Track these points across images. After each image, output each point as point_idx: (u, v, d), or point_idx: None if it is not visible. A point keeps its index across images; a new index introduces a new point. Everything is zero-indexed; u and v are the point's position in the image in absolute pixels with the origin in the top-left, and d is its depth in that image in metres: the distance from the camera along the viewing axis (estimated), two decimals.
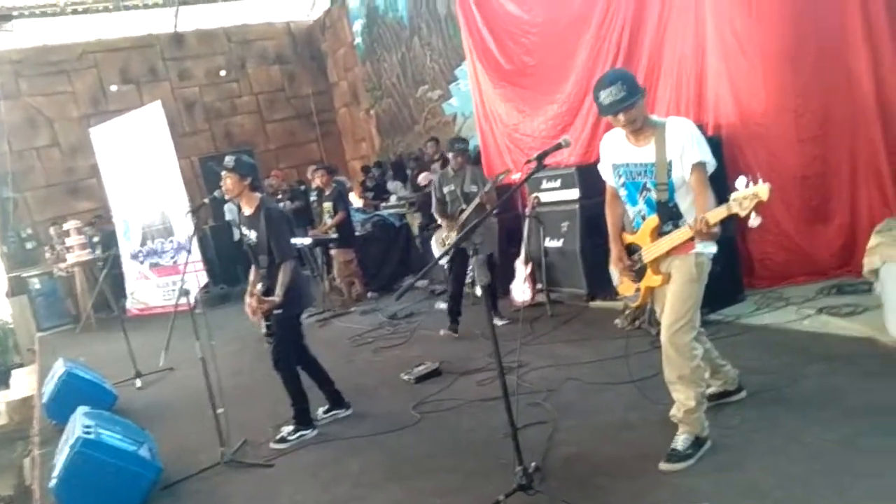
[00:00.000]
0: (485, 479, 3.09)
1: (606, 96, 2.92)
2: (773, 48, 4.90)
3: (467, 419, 4.00)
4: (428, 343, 5.89)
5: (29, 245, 12.31)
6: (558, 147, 3.09)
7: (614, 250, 3.27)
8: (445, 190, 6.06)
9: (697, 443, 2.98)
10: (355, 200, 10.88)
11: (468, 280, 6.62)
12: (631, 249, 3.21)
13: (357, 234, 8.49)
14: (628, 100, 2.88)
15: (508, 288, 6.39)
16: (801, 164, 5.02)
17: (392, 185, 11.40)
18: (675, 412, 3.04)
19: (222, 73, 15.06)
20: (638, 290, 3.21)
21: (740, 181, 2.71)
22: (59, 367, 5.93)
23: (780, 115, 4.96)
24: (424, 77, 12.18)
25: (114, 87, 13.95)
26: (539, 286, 6.17)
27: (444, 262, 6.19)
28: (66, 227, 10.60)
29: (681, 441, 2.98)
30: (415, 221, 8.88)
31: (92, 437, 3.86)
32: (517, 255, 6.26)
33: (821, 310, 4.40)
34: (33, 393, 7.75)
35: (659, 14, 5.53)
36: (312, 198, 8.45)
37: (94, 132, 10.94)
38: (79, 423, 4.09)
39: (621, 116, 2.94)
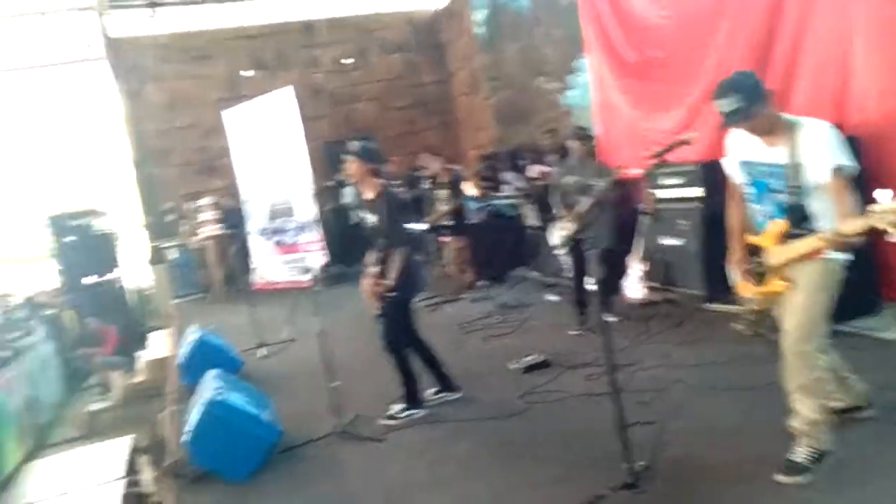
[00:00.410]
0: (588, 473, 3.11)
1: (723, 106, 2.83)
2: None
3: (573, 412, 4.03)
4: (537, 334, 5.92)
5: (168, 218, 13.27)
6: (682, 143, 3.03)
7: (735, 251, 3.18)
8: (566, 180, 6.04)
9: (817, 457, 2.87)
10: (469, 189, 11.02)
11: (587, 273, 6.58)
12: (753, 251, 3.12)
13: (470, 222, 8.60)
14: (744, 112, 2.78)
15: (621, 285, 6.31)
16: None
17: (507, 175, 11.44)
18: (795, 423, 2.94)
19: (348, 60, 15.57)
20: (758, 294, 3.12)
21: (885, 194, 2.52)
22: (193, 333, 6.42)
23: None
24: (544, 68, 12.11)
25: (247, 73, 14.75)
26: (654, 284, 6.06)
27: (560, 253, 6.20)
28: (199, 203, 11.35)
29: (800, 453, 2.88)
30: (528, 212, 8.89)
31: (221, 398, 4.18)
32: (630, 251, 6.17)
33: None
34: (168, 354, 8.40)
35: (800, 4, 5.23)
36: (426, 185, 8.63)
37: (227, 115, 11.66)
38: (210, 384, 4.44)
39: (743, 126, 2.86)
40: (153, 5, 13.91)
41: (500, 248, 8.70)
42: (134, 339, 11.65)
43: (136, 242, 13.90)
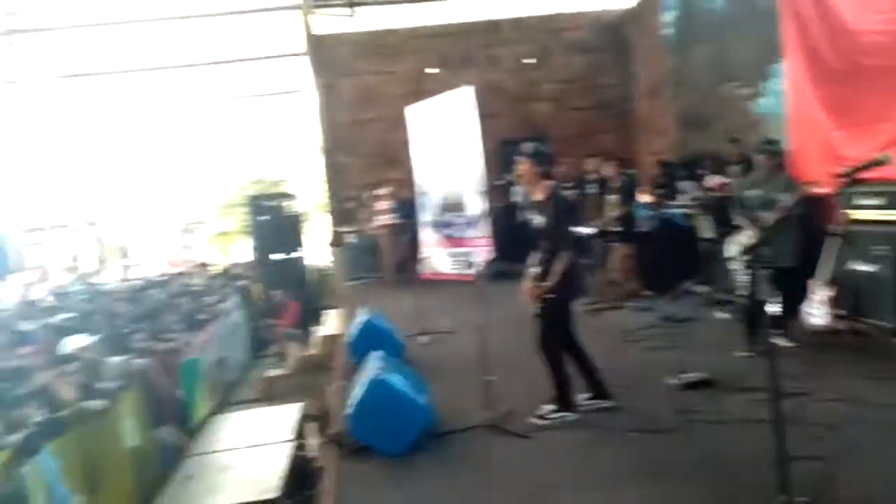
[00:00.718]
0: (743, 500, 2.96)
1: None
2: None
3: (731, 436, 3.84)
4: (701, 351, 5.67)
5: (349, 205, 14.16)
6: (878, 163, 2.80)
7: None
8: (749, 194, 5.73)
9: None
10: (642, 195, 10.74)
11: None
12: None
13: (639, 230, 8.38)
14: None
15: (801, 309, 5.87)
16: None
17: (683, 184, 10.99)
18: None
19: (530, 60, 15.67)
20: None
21: None
22: (362, 314, 6.84)
23: None
24: (734, 73, 11.45)
25: (431, 70, 15.31)
26: (840, 312, 5.58)
27: (736, 269, 5.92)
28: (378, 192, 12.00)
29: None
30: (703, 224, 8.50)
31: (383, 377, 4.45)
32: (814, 274, 5.72)
33: None
34: (340, 333, 9.00)
35: None
36: (591, 190, 8.52)
37: (409, 110, 12.20)
38: (373, 364, 4.74)
39: None
40: (352, 5, 14.88)
41: (669, 258, 8.39)
42: (311, 314, 12.63)
43: (319, 225, 14.99)
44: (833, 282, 5.59)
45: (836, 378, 4.63)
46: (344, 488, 3.93)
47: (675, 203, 10.09)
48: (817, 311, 5.63)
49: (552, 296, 4.40)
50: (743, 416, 4.06)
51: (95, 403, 5.18)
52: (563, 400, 4.49)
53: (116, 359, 6.12)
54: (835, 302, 5.56)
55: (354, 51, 15.08)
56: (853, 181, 5.47)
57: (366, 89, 15.10)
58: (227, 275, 13.25)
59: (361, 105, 15.07)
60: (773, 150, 5.57)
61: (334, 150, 14.78)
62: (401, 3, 14.98)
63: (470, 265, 9.73)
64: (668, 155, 13.62)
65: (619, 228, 7.95)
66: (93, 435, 5.23)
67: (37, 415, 4.46)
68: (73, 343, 5.69)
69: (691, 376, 4.82)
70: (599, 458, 3.82)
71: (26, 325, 7.68)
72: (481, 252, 10.12)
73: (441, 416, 4.67)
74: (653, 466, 3.63)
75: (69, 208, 22.40)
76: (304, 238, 15.34)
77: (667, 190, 11.19)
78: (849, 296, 5.48)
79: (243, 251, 22.52)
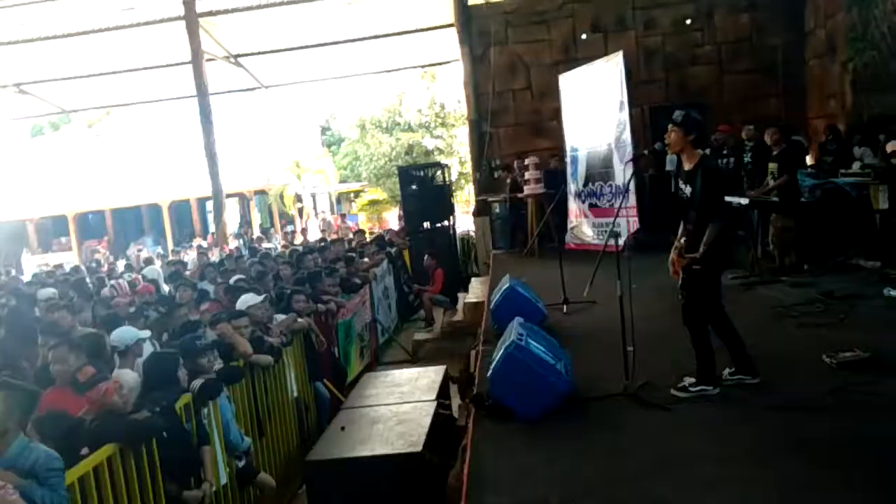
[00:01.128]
0: (888, 486, 2.81)
1: None
2: None
3: (887, 419, 3.60)
4: (865, 330, 5.28)
5: (496, 174, 14.31)
6: None
7: None
8: None
9: None
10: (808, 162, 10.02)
11: None
12: None
13: (802, 200, 7.85)
14: None
15: None
16: None
17: (858, 150, 10.12)
18: None
19: (688, 21, 14.89)
20: None
21: None
22: (505, 282, 6.99)
23: None
24: None
25: (584, 36, 14.98)
26: None
27: None
28: (526, 161, 12.03)
29: None
30: (878, 194, 7.81)
31: (523, 343, 4.58)
32: None
33: None
34: (483, 300, 9.24)
35: None
36: (747, 158, 8.05)
37: (563, 78, 12.07)
38: (514, 330, 4.87)
39: None
40: None
41: (836, 231, 7.81)
42: (457, 281, 13.00)
43: (467, 195, 15.26)
44: None
45: None
46: (482, 447, 4.11)
47: (845, 171, 9.33)
48: None
49: (697, 267, 4.30)
50: None
51: (265, 357, 5.74)
52: (705, 374, 4.39)
53: (281, 317, 6.70)
54: None
55: (506, 19, 15.07)
56: None
57: (516, 58, 15.09)
58: (380, 242, 13.89)
59: (511, 74, 15.08)
60: None
61: (482, 119, 14.93)
62: None
63: (616, 235, 9.59)
64: (842, 119, 12.56)
65: (776, 199, 7.49)
66: (262, 385, 5.82)
67: (216, 363, 5.02)
68: (245, 301, 6.29)
69: (848, 355, 4.53)
70: (738, 434, 3.73)
71: (205, 286, 8.58)
72: (628, 222, 9.93)
73: (580, 384, 4.72)
74: (800, 447, 3.49)
75: (242, 178, 24.35)
76: (452, 207, 15.74)
77: (837, 157, 10.37)
78: None
79: (394, 219, 23.49)
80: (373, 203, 27.80)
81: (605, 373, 4.89)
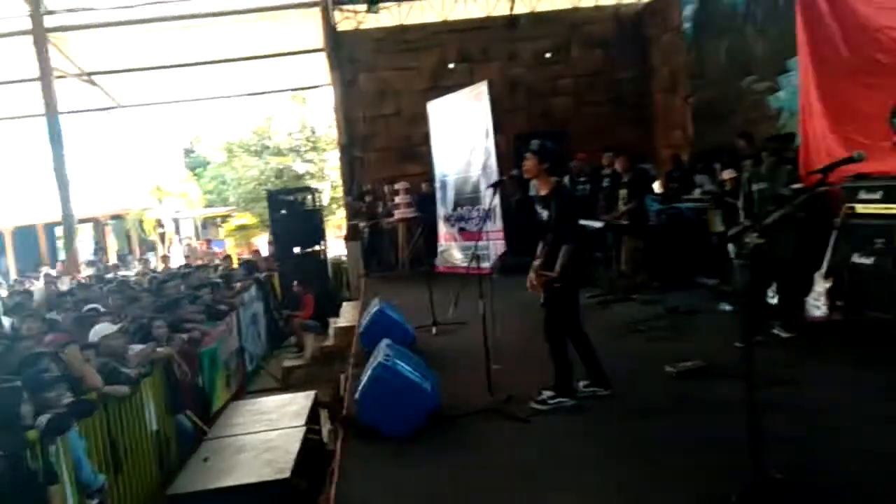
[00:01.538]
0: (717, 478, 3.12)
1: None
2: None
3: (719, 420, 3.98)
4: (702, 341, 5.80)
5: (367, 199, 14.38)
6: (848, 161, 2.94)
7: None
8: (755, 188, 5.85)
9: None
10: (657, 189, 10.81)
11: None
12: None
13: (650, 223, 8.49)
14: None
15: (804, 301, 5.97)
16: None
17: (699, 177, 11.05)
18: None
19: (548, 55, 15.75)
20: None
21: None
22: (374, 305, 7.05)
23: None
24: (752, 67, 11.48)
25: (452, 65, 15.46)
26: (839, 303, 5.68)
27: (739, 262, 6.07)
28: (395, 186, 12.20)
29: None
30: (714, 218, 8.58)
31: (390, 363, 4.65)
32: (817, 266, 5.82)
33: None
34: (355, 324, 9.23)
35: None
36: (605, 183, 8.63)
37: (431, 106, 12.38)
38: (382, 351, 4.94)
39: None
40: (374, 1, 15.03)
41: (679, 252, 8.50)
42: (329, 306, 12.88)
43: (337, 219, 15.25)
44: (833, 274, 5.70)
45: (828, 366, 4.75)
46: (350, 467, 4.13)
47: (687, 197, 10.17)
48: (817, 302, 5.75)
49: (558, 286, 4.56)
50: (736, 402, 4.19)
51: (120, 388, 5.46)
52: (563, 386, 4.65)
53: (139, 347, 6.40)
54: (834, 293, 5.67)
55: (375, 46, 15.27)
56: (822, 181, 5.55)
57: (386, 84, 15.31)
58: (249, 267, 13.54)
59: (381, 100, 15.28)
60: (777, 147, 5.66)
61: (352, 144, 15.00)
62: None
63: (484, 258, 9.92)
64: (686, 149, 13.67)
65: (627, 222, 8.06)
66: (117, 417, 5.52)
67: (65, 397, 4.72)
68: (98, 331, 5.96)
69: (688, 364, 4.96)
70: (591, 440, 4.00)
71: (54, 315, 8.02)
72: (495, 245, 10.31)
73: (447, 401, 4.86)
74: (636, 449, 3.79)
75: (96, 203, 22.92)
76: (323, 232, 15.61)
77: (680, 184, 11.27)
78: (848, 287, 5.56)
79: (263, 245, 22.94)
80: (241, 228, 27.03)
81: (471, 390, 5.04)
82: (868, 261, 5.59)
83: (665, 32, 14.76)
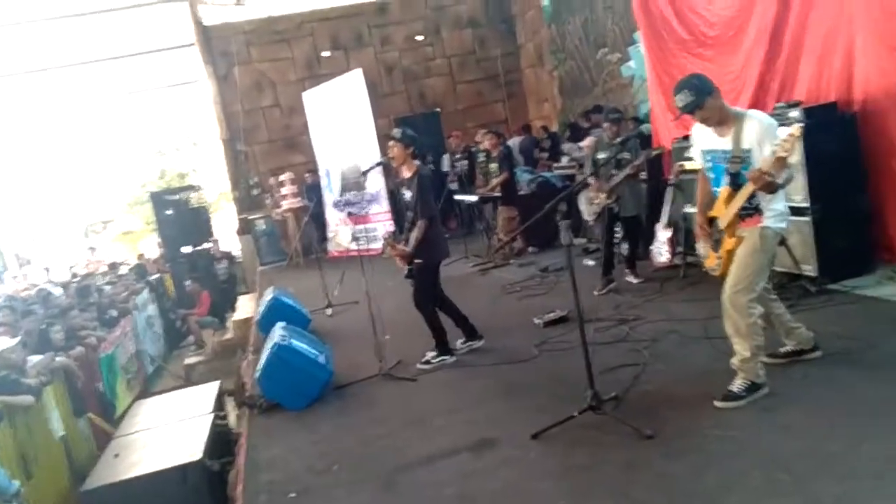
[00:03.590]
0: (568, 403, 3.73)
1: (679, 100, 3.43)
2: None
3: (574, 358, 4.63)
4: (568, 294, 6.45)
5: (255, 192, 14.46)
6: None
7: (699, 220, 3.75)
8: (599, 155, 6.58)
9: (752, 388, 3.44)
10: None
11: (617, 239, 7.11)
12: (714, 225, 3.68)
13: (521, 193, 9.20)
14: (695, 103, 3.38)
15: (650, 250, 6.82)
16: None
17: (566, 146, 11.89)
18: (734, 361, 3.52)
19: (419, 37, 16.22)
20: (719, 258, 3.67)
21: (784, 130, 3.21)
22: (269, 293, 7.38)
23: None
24: (605, 40, 12.41)
25: (325, 53, 15.66)
26: (678, 249, 6.54)
27: (591, 220, 6.84)
28: (282, 177, 12.41)
29: (736, 385, 3.47)
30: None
31: (285, 343, 5.07)
32: (658, 218, 6.66)
33: None
34: (252, 315, 9.48)
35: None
36: (480, 159, 9.25)
37: (306, 95, 12.61)
38: (277, 333, 5.34)
39: (696, 115, 3.43)
40: None
41: (550, 217, 9.22)
42: (224, 301, 12.99)
43: (226, 215, 15.24)
44: (671, 224, 6.55)
45: (665, 303, 5.56)
46: (256, 440, 4.54)
47: (558, 165, 10.98)
48: (660, 250, 6.59)
49: (419, 261, 5.09)
50: (589, 341, 4.89)
51: (23, 398, 5.59)
52: (442, 346, 5.23)
53: (37, 357, 6.48)
54: (673, 241, 6.53)
55: (246, 39, 15.24)
56: (683, 137, 6.38)
57: (261, 76, 15.33)
58: (139, 271, 13.39)
59: (258, 92, 15.30)
60: (613, 118, 6.36)
61: (234, 138, 14.99)
62: None
63: (374, 240, 10.37)
64: (555, 120, 14.57)
65: (499, 194, 8.72)
66: (24, 426, 5.65)
67: None
68: None
69: (551, 315, 5.65)
70: (469, 388, 4.59)
71: None
72: (383, 226, 10.77)
73: (343, 373, 5.34)
74: (510, 388, 4.42)
75: None
76: (212, 228, 15.57)
77: (552, 153, 12.11)
78: (685, 235, 6.41)
79: (152, 247, 22.36)
80: (127, 233, 26.17)
81: (364, 360, 5.52)
82: (695, 210, 6.45)
83: (528, 10, 15.54)
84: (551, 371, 4.58)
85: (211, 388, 7.04)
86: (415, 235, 5.02)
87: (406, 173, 5.25)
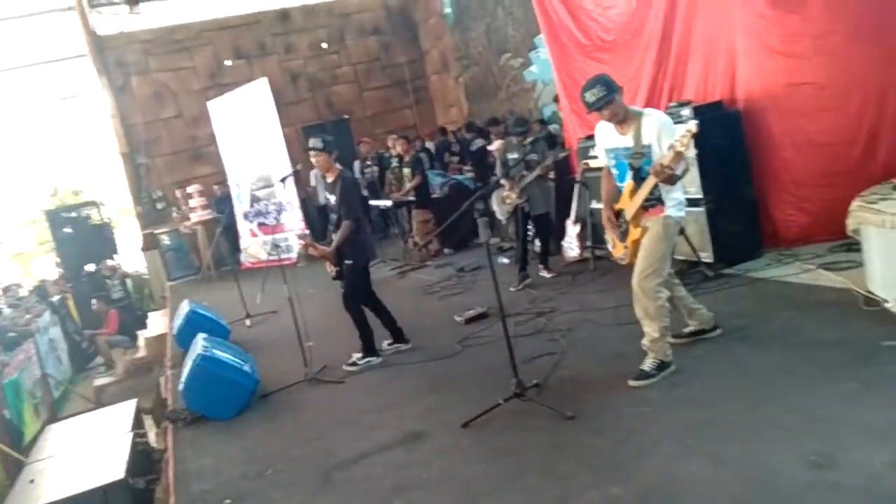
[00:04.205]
0: (493, 393, 3.91)
1: (590, 96, 3.67)
2: (795, 29, 5.30)
3: (496, 351, 4.83)
4: (485, 292, 6.71)
5: (159, 206, 14.02)
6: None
7: (605, 214, 4.02)
8: (509, 156, 6.82)
9: (661, 366, 3.72)
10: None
11: (529, 237, 7.38)
12: (620, 217, 3.95)
13: (434, 196, 9.38)
14: (606, 98, 3.63)
15: (561, 245, 7.13)
16: (821, 132, 5.41)
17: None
18: (644, 342, 3.80)
19: (324, 45, 16.19)
20: (626, 248, 3.94)
21: (681, 128, 3.48)
22: (185, 307, 7.23)
23: (799, 88, 5.37)
24: (507, 45, 12.80)
25: (228, 62, 15.39)
26: (587, 244, 6.88)
27: (504, 219, 7.10)
28: (189, 190, 12.11)
29: (647, 364, 3.74)
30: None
31: (208, 353, 5.03)
32: (568, 215, 6.98)
33: (822, 265, 4.91)
34: (165, 331, 9.24)
35: (687, 6, 6.00)
36: (394, 164, 9.38)
37: (211, 105, 12.37)
38: (199, 344, 5.28)
39: (605, 112, 3.69)
40: (133, 2, 14.52)
41: (463, 218, 9.45)
42: (134, 319, 12.54)
43: (130, 230, 14.69)
44: (579, 220, 6.88)
45: (578, 294, 5.86)
46: (184, 453, 4.49)
47: (467, 168, 11.24)
48: (571, 245, 6.92)
49: (349, 262, 5.17)
50: (510, 335, 5.11)
51: None
52: (369, 348, 5.32)
53: None
54: (582, 236, 6.87)
55: (144, 48, 14.78)
56: (588, 137, 6.72)
57: (162, 86, 14.90)
58: (39, 292, 12.74)
59: (159, 103, 14.86)
60: (521, 131, 6.61)
61: (134, 151, 14.50)
62: None
63: (288, 249, 10.30)
64: (463, 124, 14.86)
65: (413, 198, 8.87)
66: None
67: None
68: None
69: (472, 312, 5.84)
70: (397, 386, 4.71)
71: None
72: (296, 235, 10.71)
73: (268, 381, 5.33)
74: (437, 384, 4.57)
75: None
76: (116, 245, 14.98)
77: (461, 156, 12.37)
78: (591, 230, 6.75)
79: (47, 267, 21.25)
80: (19, 254, 24.69)
81: (289, 367, 5.53)
82: (601, 205, 6.81)
83: (430, 17, 15.81)
84: (475, 364, 4.76)
85: (128, 407, 6.84)
86: (338, 236, 5.10)
87: (330, 177, 5.32)
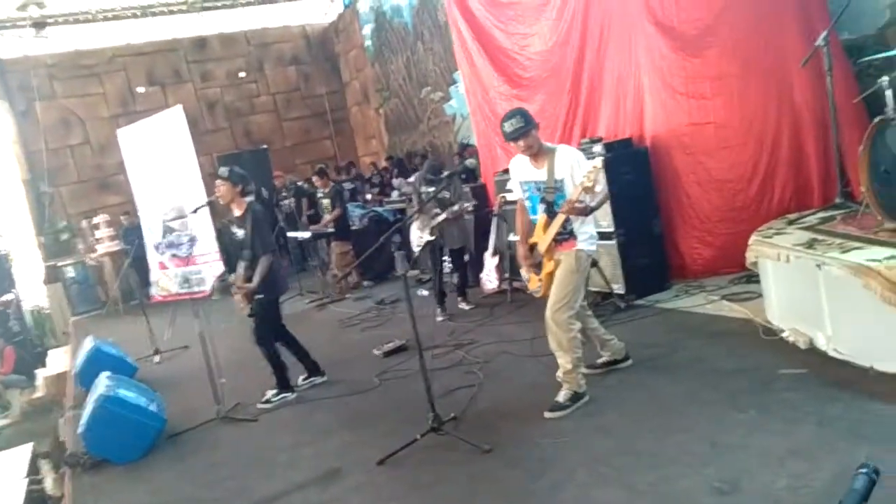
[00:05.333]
0: (411, 427, 3.88)
1: (508, 126, 3.76)
2: (696, 71, 5.61)
3: (414, 384, 4.79)
4: (404, 324, 6.64)
5: (63, 236, 13.37)
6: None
7: (520, 249, 4.09)
8: (423, 190, 6.85)
9: (575, 397, 3.79)
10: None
11: (446, 270, 7.42)
12: (534, 250, 4.03)
13: (354, 228, 9.33)
14: (524, 129, 3.72)
15: (480, 277, 7.20)
16: (722, 169, 5.71)
17: (396, 181, 12.23)
18: (559, 373, 3.86)
19: (242, 74, 15.99)
20: (540, 281, 4.02)
21: (589, 163, 3.66)
22: (88, 343, 6.88)
23: (702, 128, 5.67)
24: (427, 79, 12.98)
25: (141, 89, 14.96)
26: (505, 276, 6.97)
27: (416, 251, 7.12)
28: (95, 220, 11.60)
29: (561, 395, 3.80)
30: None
31: (111, 393, 4.78)
32: (486, 248, 7.07)
33: (725, 296, 5.14)
34: (67, 369, 8.74)
35: (599, 38, 6.26)
36: (319, 194, 9.28)
37: (121, 133, 11.91)
38: (102, 383, 5.02)
39: (521, 142, 3.78)
40: (39, 25, 13.95)
41: (382, 250, 9.44)
42: (32, 357, 11.81)
43: (30, 262, 13.93)
44: (497, 252, 6.97)
45: (496, 326, 5.92)
46: (82, 499, 4.23)
47: (389, 200, 11.25)
48: (489, 276, 6.99)
49: (260, 296, 5.05)
50: (428, 367, 5.08)
51: None
52: (283, 383, 5.18)
53: None
54: (500, 268, 6.96)
55: (49, 73, 14.21)
56: (504, 171, 6.84)
57: (68, 113, 14.33)
58: None
59: (65, 130, 14.28)
60: (433, 179, 6.66)
61: (37, 179, 13.83)
62: (95, 21, 14.34)
63: (200, 282, 9.95)
64: (383, 156, 14.91)
65: (331, 230, 8.79)
66: None
67: None
68: None
69: (391, 345, 5.80)
70: (313, 422, 4.60)
71: None
72: (211, 268, 10.38)
73: (177, 420, 5.11)
74: (354, 419, 4.50)
75: None
76: (15, 278, 14.13)
77: (381, 188, 12.38)
78: (509, 262, 6.85)
79: None
80: None
81: (200, 405, 5.32)
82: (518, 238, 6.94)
83: (351, 49, 15.89)
84: (393, 398, 4.72)
85: (23, 452, 6.40)
86: (259, 271, 4.96)
87: (237, 211, 5.20)
